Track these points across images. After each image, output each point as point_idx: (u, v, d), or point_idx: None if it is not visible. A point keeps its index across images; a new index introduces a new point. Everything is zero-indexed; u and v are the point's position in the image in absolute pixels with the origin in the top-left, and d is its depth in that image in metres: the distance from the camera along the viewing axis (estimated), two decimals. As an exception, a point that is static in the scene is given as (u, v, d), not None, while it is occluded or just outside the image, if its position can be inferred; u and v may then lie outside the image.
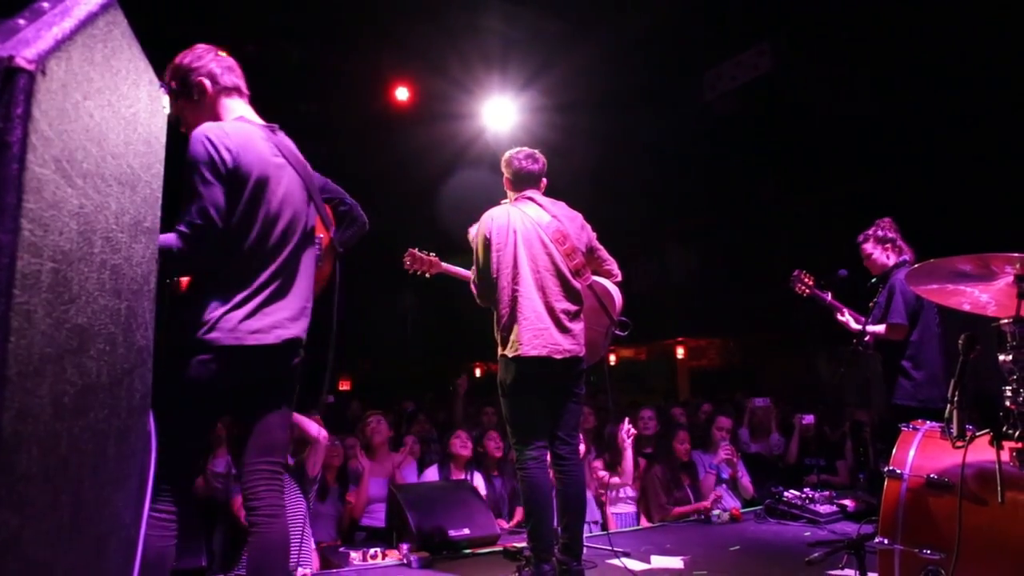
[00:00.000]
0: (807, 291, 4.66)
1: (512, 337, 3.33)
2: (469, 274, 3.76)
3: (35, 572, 1.08)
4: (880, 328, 4.22)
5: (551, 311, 3.36)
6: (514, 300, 3.36)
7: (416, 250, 4.05)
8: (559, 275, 3.42)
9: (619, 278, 3.75)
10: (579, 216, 3.65)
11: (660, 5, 7.61)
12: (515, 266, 3.38)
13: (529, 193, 3.61)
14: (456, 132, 9.34)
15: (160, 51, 2.18)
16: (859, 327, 4.38)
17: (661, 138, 9.52)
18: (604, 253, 3.73)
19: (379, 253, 4.17)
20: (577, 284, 3.49)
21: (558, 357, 3.33)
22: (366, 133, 9.52)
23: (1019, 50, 6.44)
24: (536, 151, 3.69)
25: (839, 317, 4.52)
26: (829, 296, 4.60)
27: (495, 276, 3.41)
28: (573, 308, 3.45)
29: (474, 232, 3.57)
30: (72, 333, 1.15)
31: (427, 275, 4.08)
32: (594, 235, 3.69)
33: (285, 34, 7.94)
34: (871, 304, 4.35)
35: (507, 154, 3.71)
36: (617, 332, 3.75)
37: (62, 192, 1.08)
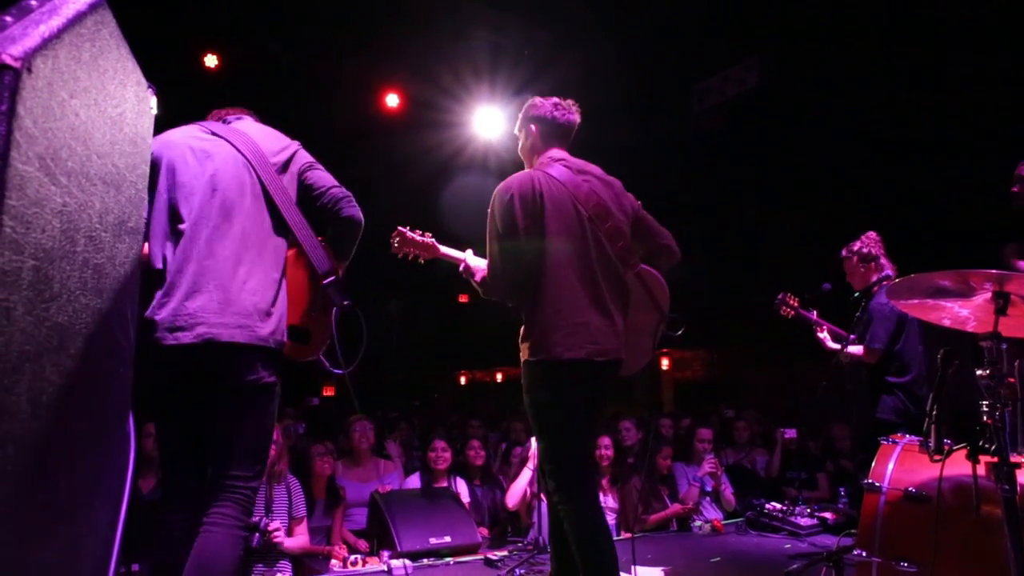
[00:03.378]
0: (792, 313, 4.69)
1: (551, 337, 2.57)
2: (464, 258, 3.04)
3: (9, 572, 1.08)
4: (858, 350, 4.27)
5: (596, 302, 2.63)
6: (543, 289, 2.62)
7: (407, 229, 3.20)
8: (602, 257, 2.69)
9: (677, 254, 3.00)
10: (617, 182, 2.91)
11: (649, 18, 7.67)
12: (547, 246, 2.63)
13: (558, 154, 2.86)
14: (446, 139, 9.36)
15: (150, 52, 2.19)
16: (837, 346, 4.42)
17: (648, 150, 9.57)
18: (655, 223, 2.95)
19: (365, 259, 4.15)
20: (622, 270, 2.76)
21: (600, 360, 2.59)
22: (356, 139, 9.52)
23: (1003, 71, 6.54)
24: (570, 100, 2.99)
25: (818, 334, 4.56)
26: (815, 315, 4.63)
27: (522, 261, 2.66)
28: (619, 300, 2.74)
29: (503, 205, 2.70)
30: (52, 331, 1.15)
31: (420, 260, 3.26)
32: (639, 203, 2.94)
33: (275, 39, 7.94)
34: (855, 318, 4.39)
35: (531, 102, 2.97)
36: (669, 332, 3.00)
37: (45, 190, 1.08)
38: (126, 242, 1.53)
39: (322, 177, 2.44)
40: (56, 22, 1.06)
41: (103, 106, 1.31)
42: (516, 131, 3.06)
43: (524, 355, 2.68)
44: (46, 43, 1.02)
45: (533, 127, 2.94)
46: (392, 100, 8.74)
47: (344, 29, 7.88)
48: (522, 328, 2.71)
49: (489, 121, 8.89)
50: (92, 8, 1.19)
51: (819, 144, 8.60)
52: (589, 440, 2.94)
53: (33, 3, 1.07)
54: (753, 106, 8.62)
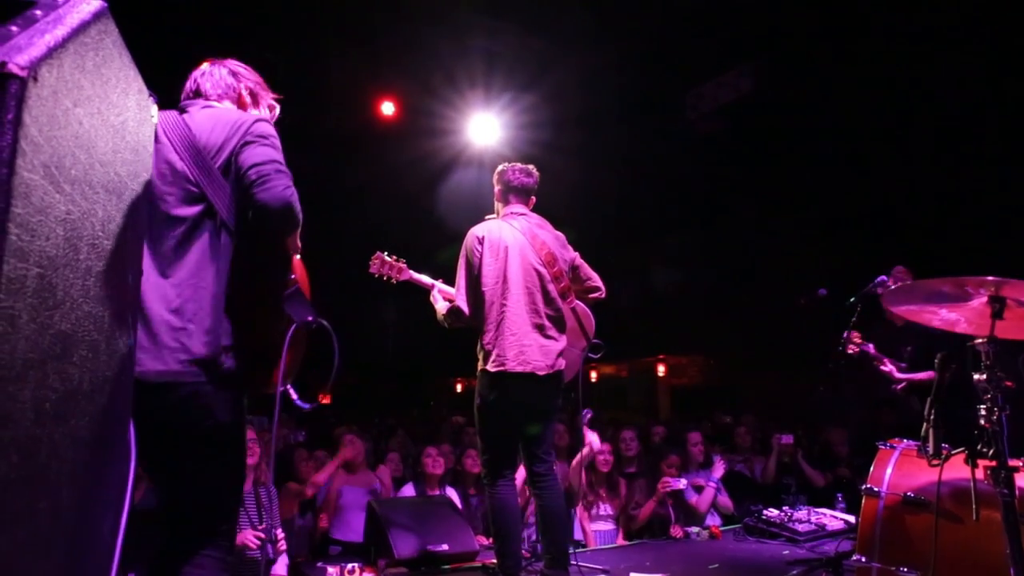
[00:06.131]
0: (858, 350, 4.46)
1: (496, 352, 3.32)
2: (435, 284, 3.79)
3: (12, 581, 1.07)
4: (929, 374, 4.22)
5: (539, 328, 3.39)
6: (502, 315, 3.35)
7: (384, 254, 3.94)
8: (546, 294, 3.45)
9: (603, 294, 3.78)
10: (562, 236, 3.69)
11: (644, 25, 7.71)
12: (504, 281, 3.38)
13: (519, 209, 3.63)
14: (441, 147, 9.38)
15: (147, 60, 2.18)
16: (904, 376, 4.31)
17: (643, 156, 9.60)
18: (588, 270, 3.75)
19: (361, 267, 4.16)
20: (562, 305, 3.53)
21: (541, 374, 3.34)
22: (351, 147, 9.52)
23: (996, 71, 6.59)
24: (531, 166, 3.70)
25: (882, 369, 4.41)
26: (872, 348, 4.46)
27: (483, 290, 3.39)
28: (558, 326, 3.49)
29: (469, 245, 3.51)
30: (56, 339, 1.15)
31: (393, 281, 3.95)
32: (576, 254, 3.73)
33: (271, 46, 7.95)
34: (906, 350, 4.27)
35: (501, 167, 3.71)
36: (590, 355, 3.81)
37: (50, 198, 1.08)
38: (127, 250, 1.53)
39: (253, 154, 1.94)
40: (61, 31, 1.06)
41: (106, 114, 1.31)
42: (493, 185, 3.76)
43: (482, 366, 3.38)
44: (51, 52, 1.03)
45: (499, 187, 3.70)
46: (388, 108, 8.75)
47: (339, 38, 7.90)
48: (479, 342, 3.41)
49: (484, 128, 8.91)
50: (96, 17, 1.19)
51: (814, 149, 8.64)
52: (517, 438, 3.48)
53: (38, 13, 1.08)
54: (748, 112, 8.65)
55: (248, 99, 2.31)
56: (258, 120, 2.05)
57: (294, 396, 2.08)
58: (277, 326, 2.00)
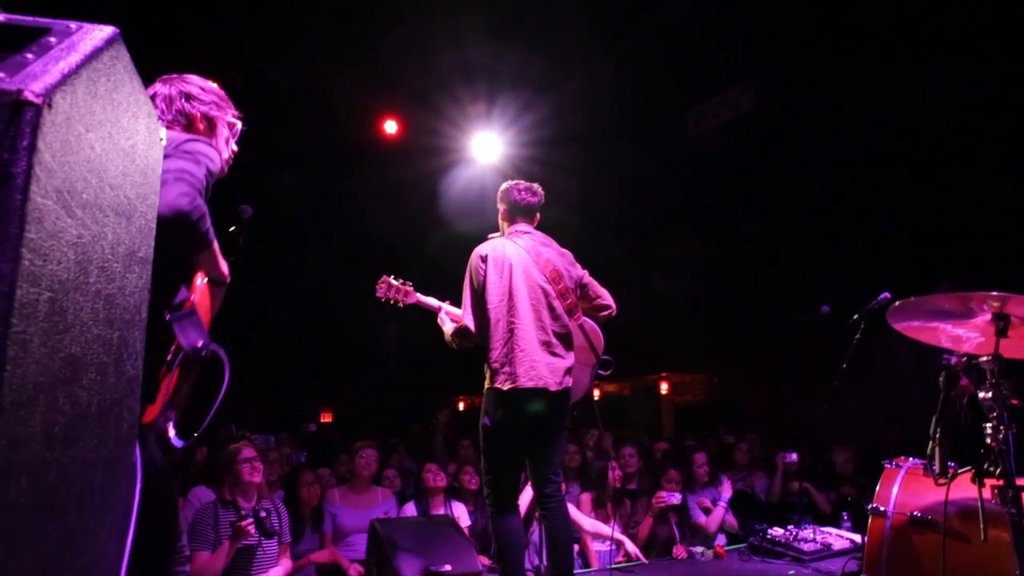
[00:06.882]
0: None
1: (507, 369, 3.30)
2: (442, 306, 3.82)
3: (19, 605, 1.07)
4: None
5: (546, 345, 3.37)
6: (510, 333, 3.33)
7: (390, 278, 3.98)
8: (552, 311, 3.44)
9: (614, 311, 3.77)
10: (569, 254, 3.69)
11: (645, 42, 7.77)
12: (510, 298, 3.37)
13: (523, 227, 3.63)
14: (444, 166, 9.42)
15: (151, 80, 2.20)
16: None
17: (645, 174, 9.64)
18: (597, 287, 3.74)
19: (363, 284, 4.17)
20: (569, 321, 3.51)
21: (553, 389, 3.32)
22: (354, 165, 9.57)
23: (998, 88, 6.62)
24: (535, 185, 3.71)
25: None
26: None
27: (489, 308, 3.38)
28: (565, 343, 3.47)
29: (472, 264, 3.53)
30: (66, 362, 1.15)
31: (400, 305, 4.00)
32: (585, 272, 3.72)
33: (274, 66, 8.01)
34: None
35: (505, 185, 3.72)
36: (600, 371, 3.81)
37: (62, 222, 1.09)
38: (136, 272, 1.54)
39: (164, 165, 1.75)
40: (75, 58, 1.08)
41: (117, 139, 1.32)
42: (497, 204, 3.78)
43: (490, 384, 3.35)
44: (65, 79, 1.04)
45: (503, 207, 3.72)
46: (390, 127, 8.80)
47: (342, 56, 7.96)
48: (486, 361, 3.38)
49: (487, 147, 8.95)
50: (108, 43, 1.21)
51: (815, 166, 8.66)
52: (524, 459, 3.47)
53: (52, 40, 1.09)
54: (749, 129, 8.69)
55: (202, 125, 2.19)
56: (195, 139, 1.92)
57: (170, 433, 1.82)
58: (156, 349, 1.75)
